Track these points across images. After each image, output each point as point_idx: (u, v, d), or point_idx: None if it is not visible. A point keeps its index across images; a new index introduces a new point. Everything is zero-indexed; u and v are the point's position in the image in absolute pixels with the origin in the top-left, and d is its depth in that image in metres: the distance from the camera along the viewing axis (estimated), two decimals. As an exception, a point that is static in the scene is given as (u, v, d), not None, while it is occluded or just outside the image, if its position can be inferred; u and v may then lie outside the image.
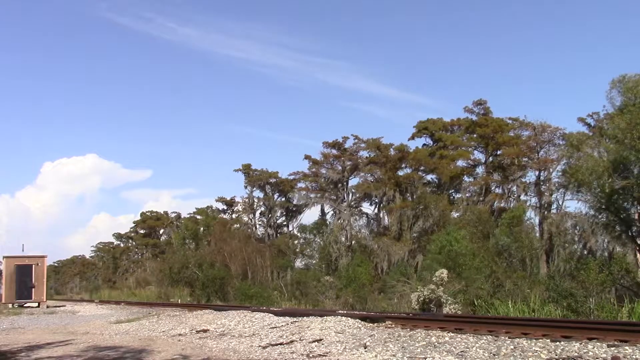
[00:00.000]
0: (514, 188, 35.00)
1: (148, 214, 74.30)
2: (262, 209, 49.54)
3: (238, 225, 49.03)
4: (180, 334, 12.10)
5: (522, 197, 34.14)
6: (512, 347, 6.99)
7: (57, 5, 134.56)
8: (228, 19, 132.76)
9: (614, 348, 6.44)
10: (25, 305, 30.83)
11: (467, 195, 37.37)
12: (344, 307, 21.92)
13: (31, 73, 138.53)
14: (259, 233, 49.00)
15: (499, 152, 36.02)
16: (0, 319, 20.56)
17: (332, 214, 41.95)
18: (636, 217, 19.78)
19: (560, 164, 31.17)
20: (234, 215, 53.55)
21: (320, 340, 8.95)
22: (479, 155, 38.13)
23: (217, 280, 33.38)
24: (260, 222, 50.26)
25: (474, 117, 38.00)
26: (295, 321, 11.62)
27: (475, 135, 37.33)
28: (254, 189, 49.14)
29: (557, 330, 8.20)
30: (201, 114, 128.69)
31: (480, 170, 37.99)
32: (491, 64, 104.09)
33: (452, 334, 8.42)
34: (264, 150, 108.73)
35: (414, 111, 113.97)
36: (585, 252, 30.34)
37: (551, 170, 33.11)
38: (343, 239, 38.32)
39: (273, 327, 11.29)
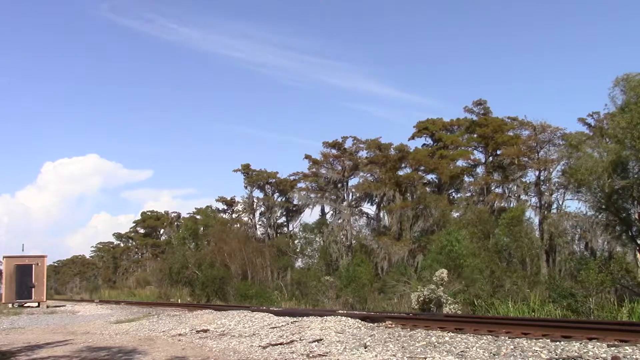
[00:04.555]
0: (514, 188, 34.99)
1: (148, 213, 74.34)
2: (262, 209, 49.51)
3: (238, 225, 48.99)
4: (180, 334, 12.09)
5: (522, 197, 34.12)
6: (512, 347, 6.99)
7: (57, 6, 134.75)
8: (228, 20, 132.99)
9: (614, 348, 6.43)
10: (25, 305, 30.81)
11: (467, 195, 37.34)
12: (344, 307, 21.90)
13: (32, 73, 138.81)
14: (259, 233, 49.00)
15: (499, 152, 35.99)
16: (0, 319, 20.54)
17: (332, 214, 41.94)
18: (636, 217, 19.76)
19: (560, 164, 31.17)
20: (234, 215, 53.53)
21: (320, 340, 8.94)
22: (479, 155, 38.12)
23: (217, 280, 33.36)
24: (260, 222, 50.27)
25: (474, 117, 37.99)
26: (295, 321, 11.61)
27: (475, 135, 37.29)
28: (254, 189, 49.15)
29: (557, 330, 8.19)
30: (201, 114, 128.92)
31: (480, 170, 37.97)
32: (491, 64, 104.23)
33: (452, 334, 8.42)
34: (264, 150, 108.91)
35: (414, 111, 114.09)
36: (586, 252, 30.31)
37: (551, 170, 33.09)
38: (343, 238, 38.29)
39: (273, 327, 11.29)
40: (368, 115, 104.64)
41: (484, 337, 7.93)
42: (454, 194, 38.96)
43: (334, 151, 41.84)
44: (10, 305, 30.05)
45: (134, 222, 76.36)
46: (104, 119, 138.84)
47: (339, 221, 39.94)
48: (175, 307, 23.97)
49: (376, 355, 7.22)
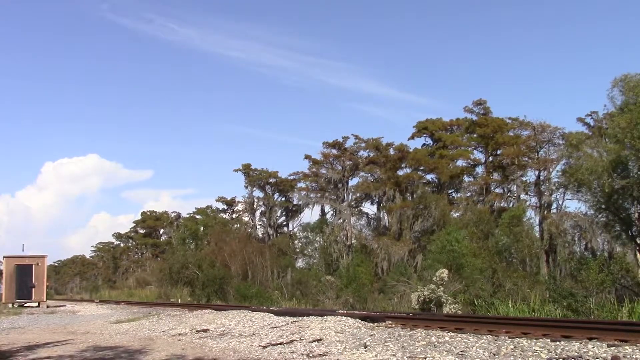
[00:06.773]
0: (514, 188, 35.00)
1: (148, 213, 74.33)
2: (262, 209, 49.53)
3: (238, 225, 49.00)
4: (180, 334, 12.09)
5: (522, 197, 34.15)
6: (512, 346, 6.98)
7: (58, 6, 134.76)
8: (228, 20, 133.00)
9: (614, 348, 6.43)
10: (25, 305, 30.81)
11: (467, 195, 37.35)
12: (344, 307, 21.89)
13: (32, 73, 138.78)
14: (259, 233, 49.01)
15: (499, 152, 36.00)
16: (0, 319, 20.54)
17: (332, 214, 41.97)
18: (636, 216, 19.78)
19: (560, 164, 31.19)
20: (234, 215, 53.56)
21: (321, 340, 8.94)
22: (478, 155, 38.16)
23: (217, 280, 33.34)
24: (260, 222, 50.28)
25: (474, 117, 38.01)
26: (295, 321, 11.62)
27: (475, 135, 37.32)
28: (254, 189, 49.18)
29: (557, 330, 8.18)
30: (201, 114, 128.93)
31: (480, 170, 38.03)
32: (491, 64, 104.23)
33: (452, 334, 8.41)
34: (264, 150, 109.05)
35: (414, 111, 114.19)
36: (586, 252, 30.32)
37: (551, 170, 33.13)
38: (343, 238, 38.30)
39: (273, 327, 11.29)
40: (368, 115, 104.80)
41: (484, 337, 7.93)
42: (453, 193, 38.99)
43: (334, 151, 41.90)
44: (10, 305, 30.05)
45: (134, 222, 76.52)
46: (104, 119, 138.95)
47: (339, 221, 39.96)
48: (175, 307, 23.95)
49: (376, 355, 7.22)
